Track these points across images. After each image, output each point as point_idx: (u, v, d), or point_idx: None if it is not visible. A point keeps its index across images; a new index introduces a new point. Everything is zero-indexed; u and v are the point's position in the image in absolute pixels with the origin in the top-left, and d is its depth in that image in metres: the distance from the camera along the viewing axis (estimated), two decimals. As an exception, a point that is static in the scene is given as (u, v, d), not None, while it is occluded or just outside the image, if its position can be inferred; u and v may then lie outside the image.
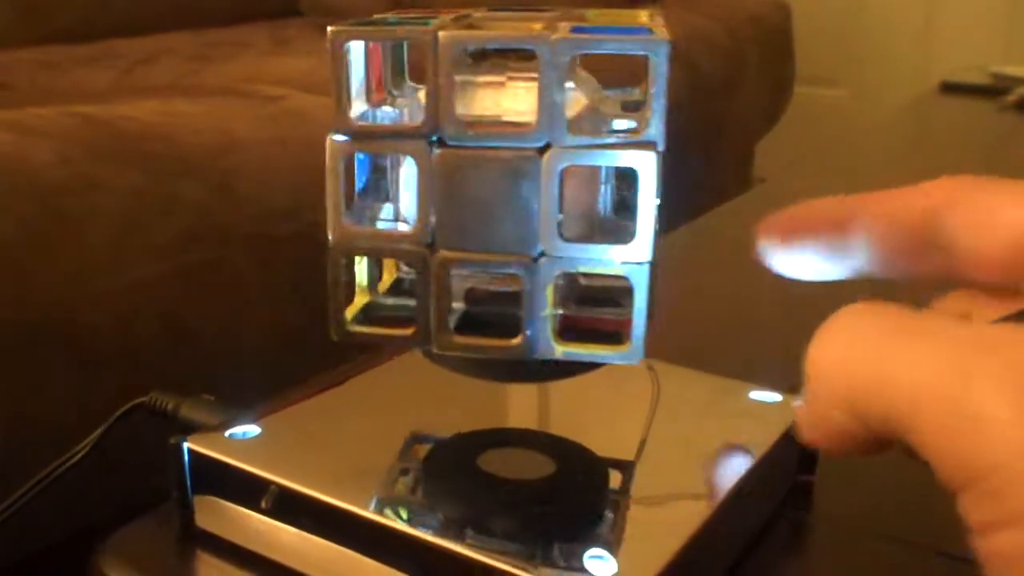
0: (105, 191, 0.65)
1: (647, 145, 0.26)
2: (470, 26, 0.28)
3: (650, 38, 0.26)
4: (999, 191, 0.25)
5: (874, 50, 2.10)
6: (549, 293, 0.28)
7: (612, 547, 0.29)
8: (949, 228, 0.25)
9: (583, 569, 0.28)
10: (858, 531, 0.36)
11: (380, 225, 0.30)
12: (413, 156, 0.27)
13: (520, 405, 0.38)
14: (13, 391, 0.55)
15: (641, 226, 0.27)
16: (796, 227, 0.28)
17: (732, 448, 0.35)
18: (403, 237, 0.28)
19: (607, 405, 0.38)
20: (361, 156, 0.29)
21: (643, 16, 0.29)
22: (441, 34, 0.26)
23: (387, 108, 0.31)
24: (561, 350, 0.28)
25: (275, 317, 0.71)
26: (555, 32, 0.26)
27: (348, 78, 0.28)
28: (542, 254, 0.27)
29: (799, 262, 0.28)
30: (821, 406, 0.22)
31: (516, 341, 0.28)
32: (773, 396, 0.38)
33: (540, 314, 0.28)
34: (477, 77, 0.29)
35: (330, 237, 0.28)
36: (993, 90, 1.34)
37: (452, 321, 0.29)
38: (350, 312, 0.30)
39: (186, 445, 0.34)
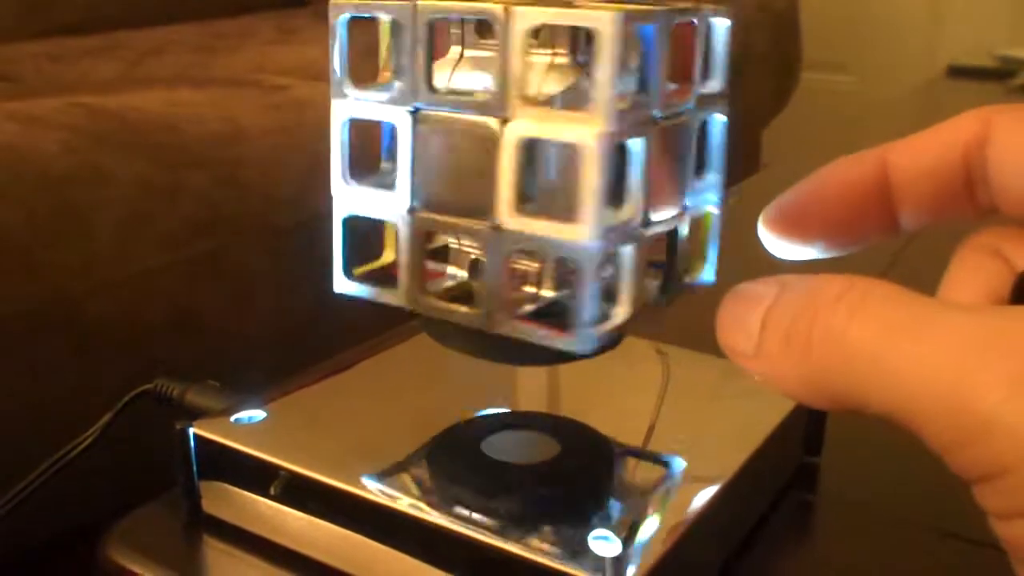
0: (111, 181, 0.65)
1: (593, 122, 0.24)
2: None
3: (600, 13, 0.24)
4: None
5: (881, 35, 2.09)
6: (502, 266, 0.26)
7: (616, 528, 0.29)
8: (989, 160, 0.24)
9: (587, 550, 0.28)
10: (863, 512, 0.36)
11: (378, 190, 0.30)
12: (394, 122, 0.28)
13: (527, 388, 0.38)
14: (19, 380, 0.56)
15: (585, 207, 0.25)
16: (806, 212, 0.26)
17: (737, 430, 0.35)
18: (389, 200, 0.29)
19: (614, 387, 0.38)
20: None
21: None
22: (419, 4, 0.26)
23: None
24: (510, 327, 0.27)
25: (281, 306, 0.71)
26: (519, 4, 0.26)
27: (343, 49, 0.28)
28: (498, 226, 0.26)
29: (815, 247, 0.26)
30: (805, 385, 0.21)
31: (475, 311, 0.27)
32: (778, 378, 0.38)
33: (495, 287, 0.27)
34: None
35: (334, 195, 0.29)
36: (1000, 73, 1.34)
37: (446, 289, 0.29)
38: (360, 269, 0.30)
39: (192, 430, 0.34)
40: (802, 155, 1.04)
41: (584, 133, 0.24)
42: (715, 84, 0.30)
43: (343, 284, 0.30)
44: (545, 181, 0.27)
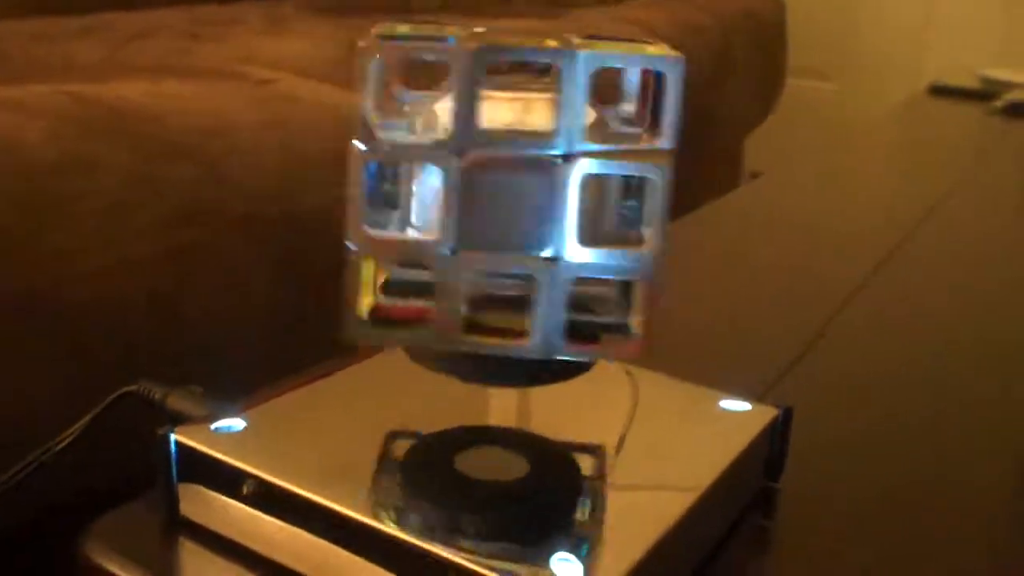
0: (95, 171, 0.65)
1: (663, 154, 0.29)
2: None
3: (668, 55, 0.28)
4: None
5: (868, 46, 2.11)
6: (562, 295, 0.29)
7: (579, 550, 0.30)
8: None
9: (549, 571, 0.29)
10: (820, 537, 0.38)
11: (391, 231, 0.31)
12: (438, 165, 0.29)
13: (500, 406, 0.39)
14: (0, 367, 0.56)
15: (656, 229, 0.29)
16: None
17: (702, 454, 0.36)
18: (425, 244, 0.30)
19: (583, 409, 0.39)
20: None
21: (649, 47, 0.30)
22: (468, 46, 0.28)
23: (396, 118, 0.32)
24: (568, 350, 0.30)
25: (264, 299, 0.72)
26: (576, 47, 0.28)
27: (374, 92, 0.29)
28: (557, 258, 0.29)
29: None
30: None
31: (526, 341, 0.30)
32: (743, 405, 0.39)
33: (555, 315, 0.29)
34: (489, 92, 0.30)
35: (352, 246, 0.30)
36: (982, 94, 1.36)
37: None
38: (361, 313, 0.31)
39: (173, 436, 0.35)
40: (791, 161, 1.06)
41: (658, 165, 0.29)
42: (664, 141, 0.30)
43: (360, 332, 0.31)
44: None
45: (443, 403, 0.38)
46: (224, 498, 0.34)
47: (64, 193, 0.63)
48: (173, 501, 0.35)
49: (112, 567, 0.34)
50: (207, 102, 0.79)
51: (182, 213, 0.68)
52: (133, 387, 0.39)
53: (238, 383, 0.39)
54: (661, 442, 0.37)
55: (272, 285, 0.72)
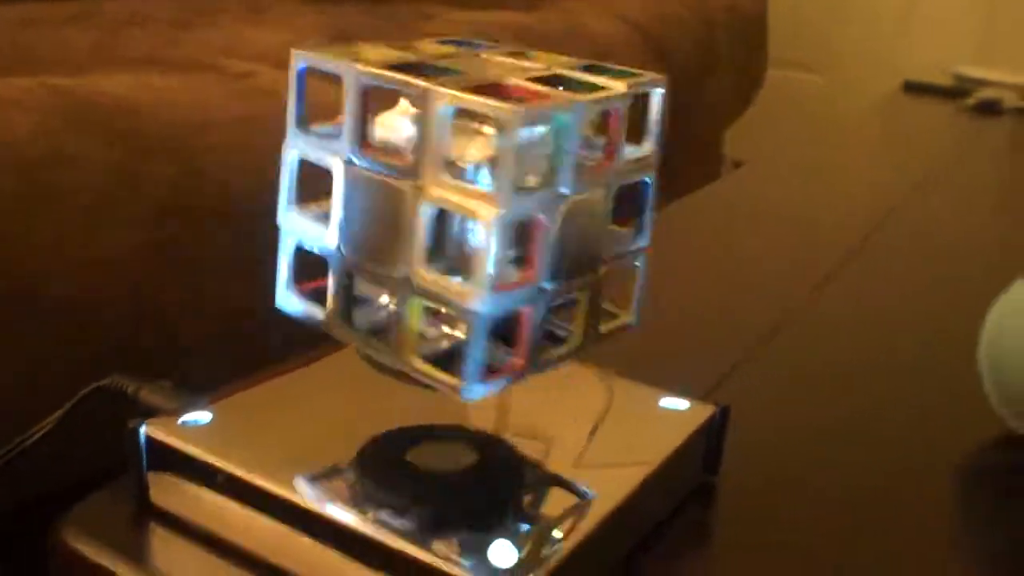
0: (80, 166, 0.67)
1: (493, 203, 0.28)
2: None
3: (504, 106, 0.28)
4: None
5: (851, 40, 2.13)
6: (407, 312, 0.31)
7: (517, 538, 0.32)
8: None
9: (485, 558, 0.31)
10: (755, 528, 0.40)
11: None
12: (331, 168, 0.32)
13: (456, 403, 0.41)
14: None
15: (478, 276, 0.28)
16: None
17: (638, 449, 0.39)
18: (323, 235, 0.33)
19: (534, 406, 0.41)
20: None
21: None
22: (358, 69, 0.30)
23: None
24: (411, 367, 0.32)
25: (241, 294, 0.74)
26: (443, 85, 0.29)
27: (299, 95, 0.32)
28: (407, 278, 0.30)
29: None
30: None
31: (385, 346, 0.32)
32: (682, 403, 0.42)
33: (402, 331, 0.31)
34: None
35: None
36: (955, 91, 1.38)
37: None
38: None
39: (142, 429, 0.37)
40: (773, 152, 1.08)
41: (484, 212, 0.28)
42: (646, 148, 0.33)
43: (284, 300, 0.33)
44: (454, 236, 0.31)
45: (405, 399, 0.40)
46: (191, 486, 0.36)
47: (50, 188, 0.64)
48: (143, 490, 0.37)
49: (87, 551, 0.36)
50: (188, 95, 0.80)
51: (161, 208, 0.70)
52: (106, 381, 0.41)
53: (216, 376, 0.42)
54: (601, 437, 0.40)
55: (249, 281, 0.74)
